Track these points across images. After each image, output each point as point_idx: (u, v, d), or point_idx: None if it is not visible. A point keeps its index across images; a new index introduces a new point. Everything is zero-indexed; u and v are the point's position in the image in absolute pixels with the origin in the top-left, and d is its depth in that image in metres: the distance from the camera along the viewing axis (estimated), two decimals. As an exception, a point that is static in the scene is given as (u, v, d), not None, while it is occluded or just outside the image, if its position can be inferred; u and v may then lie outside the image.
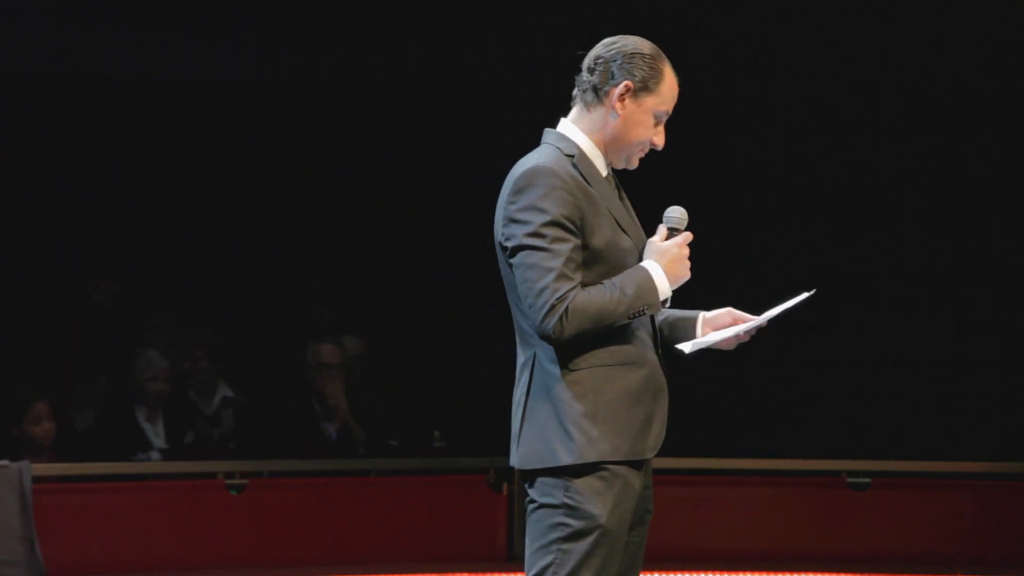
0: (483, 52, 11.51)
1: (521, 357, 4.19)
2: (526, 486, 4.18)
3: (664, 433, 4.18)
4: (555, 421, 4.09)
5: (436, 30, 11.47)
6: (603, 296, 4.05)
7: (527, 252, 4.06)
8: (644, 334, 4.17)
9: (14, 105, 11.10)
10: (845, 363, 11.07)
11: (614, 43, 4.20)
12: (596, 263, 4.11)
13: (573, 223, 4.07)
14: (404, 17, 11.39)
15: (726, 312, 4.28)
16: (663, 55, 4.20)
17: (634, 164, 4.24)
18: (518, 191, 4.10)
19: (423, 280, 11.35)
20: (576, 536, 4.06)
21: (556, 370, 4.10)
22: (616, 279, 4.09)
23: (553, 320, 4.02)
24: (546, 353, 4.11)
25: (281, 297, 11.24)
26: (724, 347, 4.31)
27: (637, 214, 4.28)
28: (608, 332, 4.08)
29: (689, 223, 4.22)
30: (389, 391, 9.96)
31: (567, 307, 4.02)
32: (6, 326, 10.11)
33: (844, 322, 10.89)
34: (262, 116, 11.56)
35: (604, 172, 4.21)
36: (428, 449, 9.67)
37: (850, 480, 9.14)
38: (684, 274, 4.16)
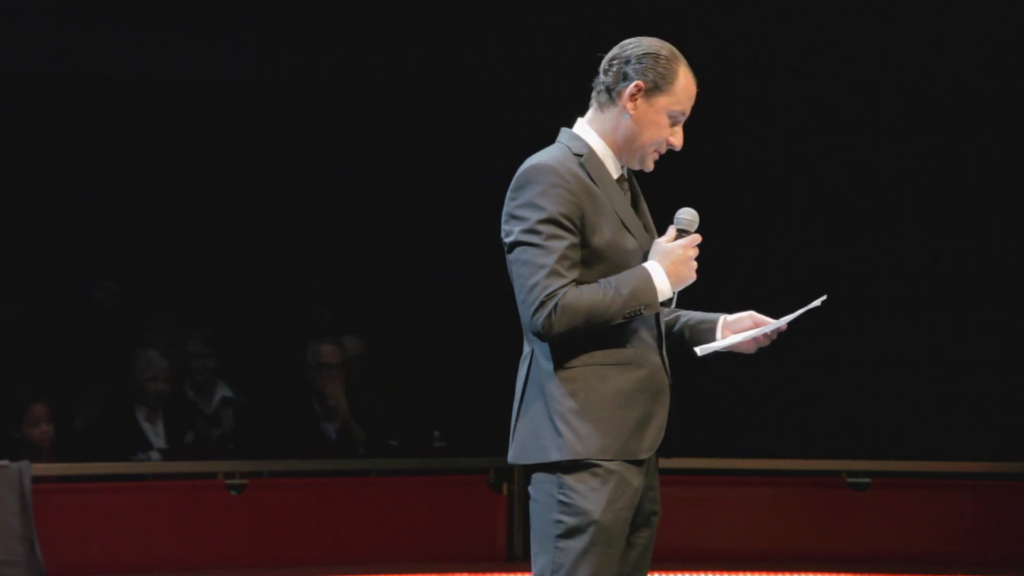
0: (483, 52, 11.51)
1: (522, 353, 4.21)
2: (529, 485, 4.19)
3: (663, 435, 4.17)
4: (546, 417, 4.12)
5: (436, 30, 11.47)
6: (596, 294, 4.05)
7: (522, 248, 4.08)
8: (646, 335, 4.17)
9: (14, 105, 11.10)
10: (845, 363, 11.07)
11: (628, 44, 4.21)
12: (597, 262, 4.12)
13: (571, 221, 4.08)
14: (404, 17, 11.39)
15: (747, 315, 4.29)
16: (679, 56, 4.20)
17: (649, 166, 4.24)
18: (518, 188, 4.12)
19: (423, 280, 11.35)
20: (571, 533, 4.07)
21: (550, 367, 4.12)
22: (613, 278, 4.09)
23: (542, 316, 4.03)
24: (542, 350, 4.13)
25: (281, 297, 11.24)
26: (744, 351, 4.30)
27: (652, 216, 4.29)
28: (605, 331, 4.09)
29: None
30: (389, 391, 9.95)
31: (557, 303, 4.02)
32: (6, 327, 10.11)
33: (844, 322, 10.88)
34: (262, 116, 11.56)
35: (616, 173, 4.21)
36: (428, 449, 9.67)
37: (850, 480, 9.14)
38: (688, 276, 4.16)
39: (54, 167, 11.19)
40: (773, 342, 4.30)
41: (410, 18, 11.39)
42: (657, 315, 4.19)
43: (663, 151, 4.23)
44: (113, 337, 9.98)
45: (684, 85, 4.18)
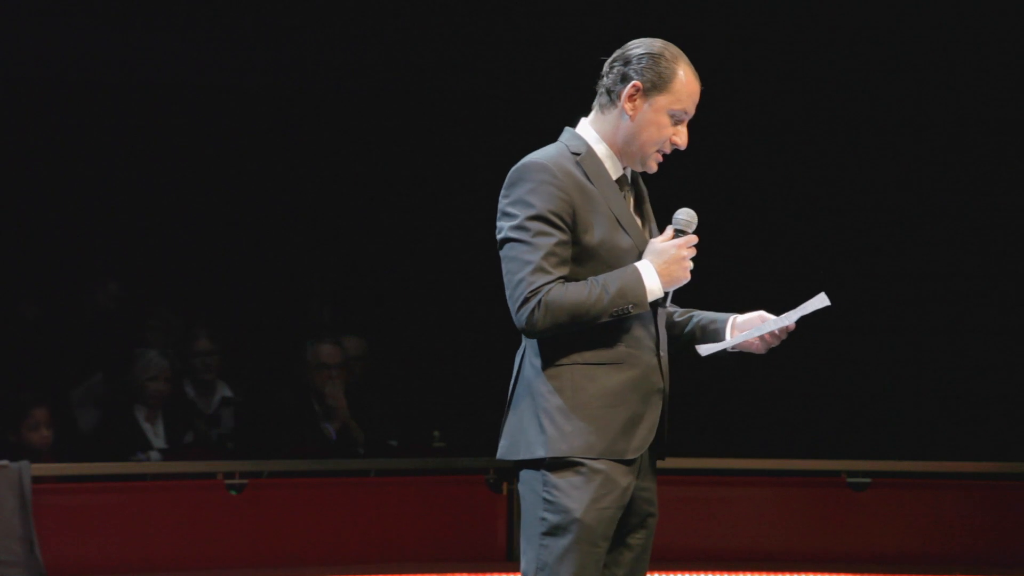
0: (484, 52, 11.50)
1: (518, 350, 4.22)
2: (518, 482, 4.21)
3: (653, 436, 4.16)
4: (533, 414, 4.13)
5: (437, 30, 11.47)
6: (581, 292, 4.05)
7: (510, 245, 4.10)
8: (641, 335, 4.16)
9: (14, 105, 11.09)
10: (845, 363, 11.08)
11: (630, 45, 4.22)
12: (589, 260, 4.12)
13: (560, 218, 4.08)
14: (405, 17, 11.39)
15: (756, 315, 4.30)
16: (680, 55, 4.20)
17: (651, 167, 4.24)
18: (510, 185, 4.14)
19: (423, 280, 11.35)
20: (555, 531, 4.08)
21: (540, 364, 4.13)
22: (602, 276, 4.09)
23: (526, 312, 4.04)
24: (532, 347, 4.15)
25: (281, 297, 11.24)
26: (755, 351, 4.30)
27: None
28: (596, 330, 4.09)
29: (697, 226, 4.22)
30: (389, 391, 9.95)
31: (540, 300, 4.03)
32: (6, 327, 10.11)
33: (844, 322, 10.88)
34: (262, 116, 11.56)
35: (616, 174, 4.21)
36: (428, 449, 9.67)
37: (850, 480, 9.13)
38: (681, 276, 4.15)
39: (53, 167, 11.19)
40: (782, 342, 4.29)
41: (411, 18, 11.39)
42: (655, 316, 4.19)
43: (667, 151, 4.22)
44: (113, 337, 9.97)
45: (684, 84, 4.17)
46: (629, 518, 4.19)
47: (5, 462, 8.29)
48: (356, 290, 11.47)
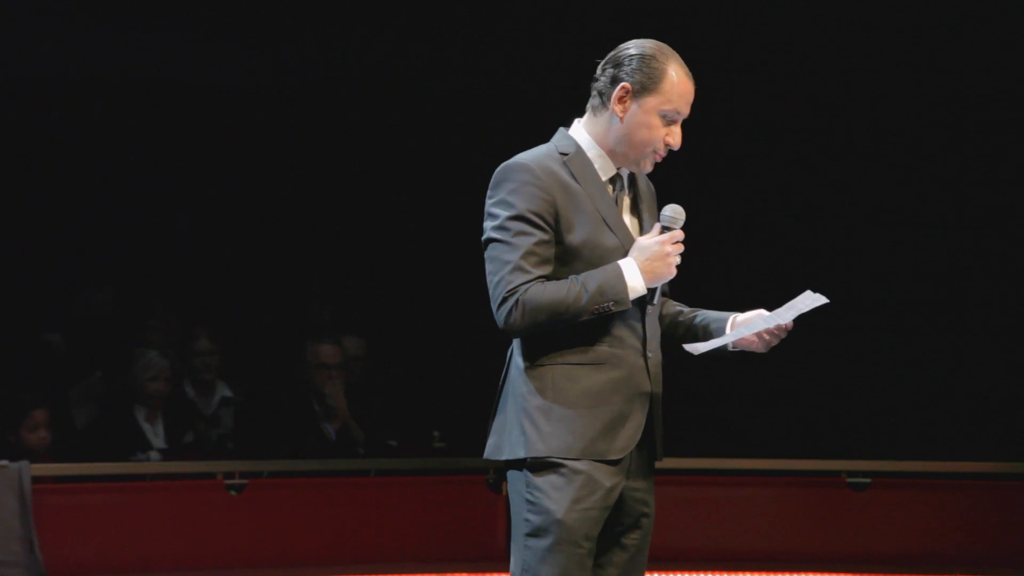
0: (485, 52, 11.50)
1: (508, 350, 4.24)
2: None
3: (639, 437, 4.14)
4: (515, 415, 4.14)
5: (436, 30, 11.46)
6: (559, 290, 4.06)
7: (492, 245, 4.12)
8: (626, 334, 4.15)
9: (13, 105, 11.09)
10: (845, 363, 11.07)
11: (622, 47, 4.22)
12: (573, 260, 4.12)
13: (542, 218, 4.09)
14: (405, 18, 11.39)
15: (755, 315, 4.27)
16: (671, 55, 4.18)
17: (646, 168, 4.23)
18: (494, 186, 4.16)
19: (423, 280, 11.35)
20: (536, 532, 4.09)
21: (523, 364, 4.14)
22: (582, 275, 4.09)
23: (504, 312, 4.06)
24: (518, 348, 4.16)
25: (281, 297, 11.24)
26: (755, 349, 4.28)
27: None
28: (578, 330, 4.09)
29: (689, 223, 4.21)
30: (389, 391, 9.95)
31: (518, 299, 4.04)
32: (7, 327, 10.11)
33: (844, 322, 10.88)
34: (262, 116, 11.56)
35: (606, 174, 4.21)
36: (427, 449, 9.67)
37: (849, 480, 9.13)
38: (664, 272, 4.13)
39: (53, 166, 11.19)
40: (783, 342, 4.28)
41: (411, 19, 11.39)
42: (642, 315, 4.18)
43: (662, 152, 4.21)
44: (112, 337, 9.97)
45: (675, 84, 4.16)
46: (622, 518, 4.18)
47: (5, 462, 8.29)
48: (356, 290, 11.47)
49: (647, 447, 4.20)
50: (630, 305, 4.11)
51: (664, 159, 4.25)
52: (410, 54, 11.58)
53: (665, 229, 4.16)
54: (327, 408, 9.29)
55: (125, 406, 9.11)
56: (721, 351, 4.27)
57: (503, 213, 4.10)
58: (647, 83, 4.15)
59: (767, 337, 4.24)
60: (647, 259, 4.11)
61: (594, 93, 4.21)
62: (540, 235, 4.08)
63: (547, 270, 4.09)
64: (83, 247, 11.09)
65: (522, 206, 4.09)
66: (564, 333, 4.09)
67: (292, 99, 11.68)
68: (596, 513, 4.09)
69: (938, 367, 10.98)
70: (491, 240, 4.11)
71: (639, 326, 4.17)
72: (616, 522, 4.17)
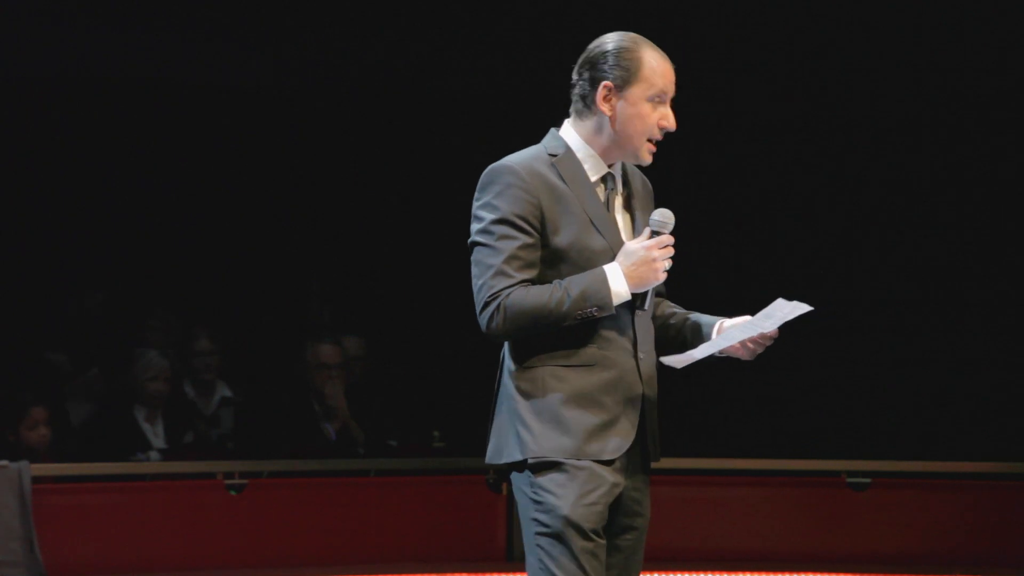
0: (485, 52, 11.50)
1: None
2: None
3: (633, 438, 4.13)
4: (510, 417, 4.14)
5: (437, 30, 11.46)
6: (543, 296, 4.05)
7: (477, 249, 4.11)
8: (616, 336, 4.13)
9: (13, 105, 11.09)
10: (845, 363, 11.07)
11: (591, 48, 4.22)
12: (559, 262, 4.11)
13: (526, 221, 4.08)
14: (405, 18, 11.39)
15: (743, 320, 4.24)
16: (642, 41, 4.18)
17: (645, 158, 4.21)
18: (480, 189, 4.15)
19: (423, 280, 11.34)
20: (546, 530, 4.07)
21: (513, 367, 4.14)
22: (566, 279, 4.08)
23: (486, 317, 4.06)
24: (509, 351, 4.16)
25: (281, 297, 11.24)
26: (740, 356, 4.27)
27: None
28: (567, 332, 4.08)
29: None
30: (389, 391, 9.95)
31: (500, 304, 4.04)
32: (7, 328, 10.11)
33: (844, 322, 10.87)
34: (262, 116, 11.56)
35: (596, 175, 4.20)
36: (427, 449, 9.67)
37: (849, 480, 9.13)
38: (651, 277, 4.11)
39: (53, 166, 11.19)
40: (773, 342, 4.27)
41: (412, 19, 11.39)
42: (633, 317, 4.16)
43: (658, 137, 4.19)
44: (110, 336, 9.97)
45: (653, 68, 4.15)
46: (617, 519, 4.17)
47: (5, 462, 8.29)
48: (356, 290, 11.47)
49: (641, 448, 4.18)
50: (613, 311, 4.09)
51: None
52: (410, 54, 11.58)
53: (654, 234, 4.14)
54: (327, 408, 9.28)
55: (125, 406, 9.11)
56: (710, 358, 4.25)
57: (488, 216, 4.09)
58: (627, 75, 4.14)
59: (751, 345, 4.22)
60: (632, 264, 4.09)
61: (575, 98, 4.21)
62: (524, 239, 4.07)
63: (531, 274, 4.08)
64: (83, 247, 11.08)
65: (507, 209, 4.07)
66: (553, 335, 4.08)
67: (292, 99, 11.68)
68: (601, 508, 4.09)
69: (938, 367, 10.97)
70: (476, 244, 4.11)
71: (629, 328, 4.16)
72: (611, 523, 4.16)
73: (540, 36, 11.25)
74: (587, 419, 4.09)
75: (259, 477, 8.87)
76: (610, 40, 4.19)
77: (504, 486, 9.03)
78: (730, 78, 11.10)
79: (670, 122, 4.18)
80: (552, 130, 4.25)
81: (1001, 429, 10.63)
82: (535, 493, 4.09)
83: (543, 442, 4.08)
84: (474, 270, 4.10)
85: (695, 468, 9.27)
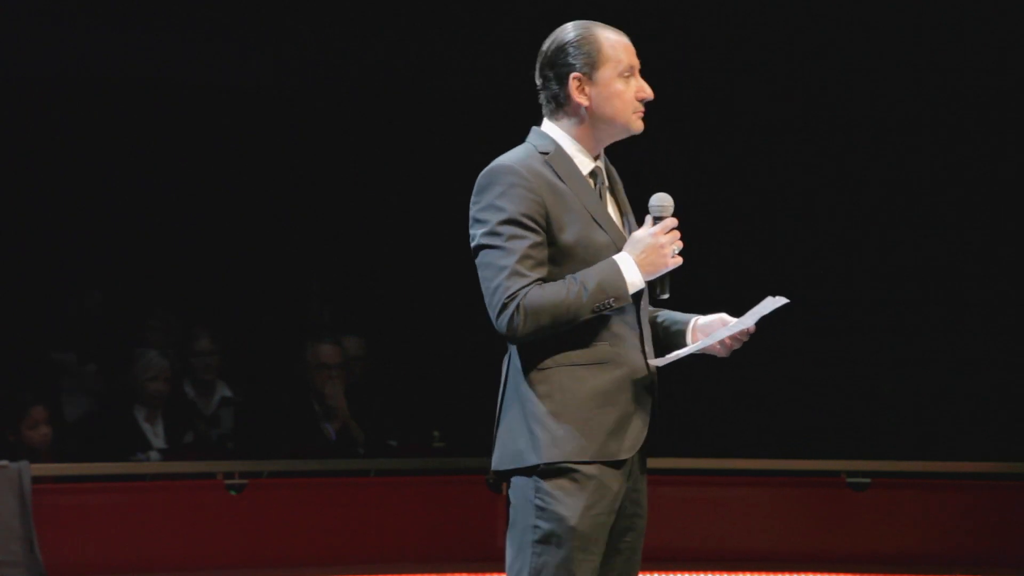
0: (485, 52, 11.50)
1: (504, 357, 4.19)
2: (508, 489, 4.16)
3: (646, 434, 4.12)
4: (522, 421, 4.09)
5: (437, 30, 11.47)
6: (560, 291, 4.01)
7: (484, 252, 4.06)
8: (625, 333, 4.11)
9: (13, 105, 11.09)
10: (845, 363, 11.07)
11: (544, 51, 4.22)
12: (567, 259, 4.08)
13: (533, 220, 4.05)
14: (405, 18, 11.39)
15: (717, 318, 4.22)
16: (591, 24, 4.19)
17: (637, 126, 4.18)
18: (479, 191, 4.10)
19: (423, 280, 11.35)
20: (548, 538, 4.03)
21: (525, 369, 4.08)
22: (580, 273, 4.04)
23: (505, 319, 4.00)
24: (517, 352, 4.10)
25: (281, 297, 11.24)
26: (716, 354, 4.23)
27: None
28: (579, 330, 4.04)
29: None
30: (389, 391, 9.95)
31: (519, 304, 3.99)
32: (7, 328, 10.11)
33: (844, 322, 10.88)
34: (262, 116, 11.56)
35: (586, 169, 4.18)
36: (427, 449, 9.67)
37: (849, 480, 9.13)
38: (661, 263, 4.08)
39: (53, 166, 11.19)
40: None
41: (412, 19, 11.40)
42: (638, 312, 4.14)
43: (640, 109, 4.17)
44: (111, 337, 9.98)
45: (614, 45, 4.16)
46: (618, 520, 4.13)
47: (5, 462, 8.29)
48: (356, 290, 11.47)
49: (642, 447, 4.18)
50: (630, 300, 4.07)
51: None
52: (410, 54, 11.58)
53: (656, 220, 4.12)
54: (327, 408, 9.28)
55: (125, 406, 9.11)
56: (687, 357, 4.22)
57: (493, 218, 4.04)
58: (592, 60, 4.13)
59: (728, 342, 4.19)
60: (642, 251, 4.07)
61: (546, 100, 4.19)
62: (534, 237, 4.03)
63: (543, 272, 4.04)
64: (83, 247, 11.09)
65: (513, 209, 4.04)
66: (563, 335, 4.04)
67: (292, 99, 11.68)
68: (605, 519, 4.07)
69: (938, 367, 10.97)
70: (483, 247, 4.06)
71: (636, 323, 4.14)
72: (612, 528, 4.13)
73: (540, 36, 11.24)
74: (606, 418, 4.06)
75: (259, 477, 8.87)
76: (562, 33, 4.20)
77: (504, 486, 9.00)
78: (730, 78, 11.10)
79: (647, 92, 4.17)
80: (535, 128, 4.22)
81: (1001, 429, 10.63)
82: (540, 499, 4.05)
83: (563, 445, 4.03)
84: (485, 273, 4.05)
85: (695, 468, 9.27)
